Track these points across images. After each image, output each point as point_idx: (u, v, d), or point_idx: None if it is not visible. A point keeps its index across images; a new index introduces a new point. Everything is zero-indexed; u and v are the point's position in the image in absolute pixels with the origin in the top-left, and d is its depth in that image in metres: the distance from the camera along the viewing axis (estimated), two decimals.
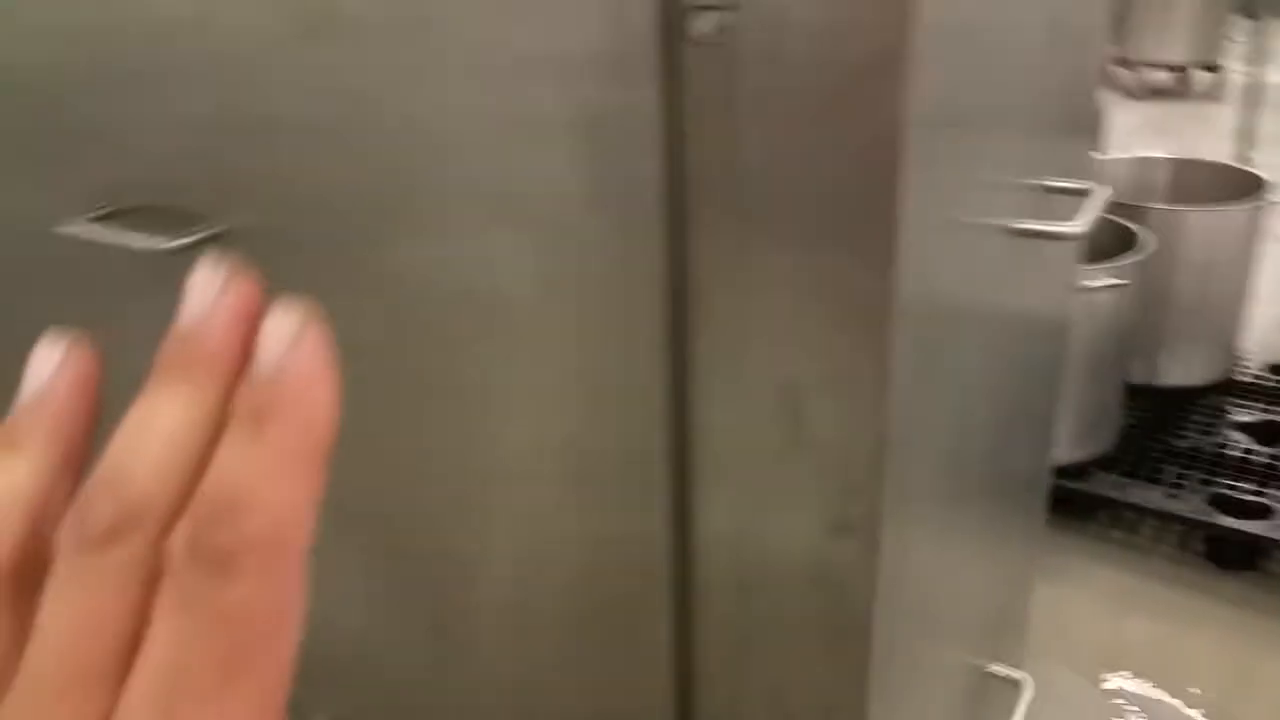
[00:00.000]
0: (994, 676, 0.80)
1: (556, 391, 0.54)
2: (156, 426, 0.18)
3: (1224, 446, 1.82)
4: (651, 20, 0.43)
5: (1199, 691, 1.45)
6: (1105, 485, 1.73)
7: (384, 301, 0.57)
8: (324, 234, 0.57)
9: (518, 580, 0.61)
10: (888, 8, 0.41)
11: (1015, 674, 0.79)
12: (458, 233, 0.52)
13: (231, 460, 0.17)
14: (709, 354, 0.48)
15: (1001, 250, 0.62)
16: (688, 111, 0.44)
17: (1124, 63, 4.69)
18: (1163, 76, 4.75)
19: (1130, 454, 1.81)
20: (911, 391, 0.47)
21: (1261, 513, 1.64)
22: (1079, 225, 0.57)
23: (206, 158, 0.60)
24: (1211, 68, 4.62)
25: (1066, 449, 1.73)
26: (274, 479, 0.17)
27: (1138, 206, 1.85)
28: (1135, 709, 1.44)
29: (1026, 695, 0.78)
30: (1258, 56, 2.97)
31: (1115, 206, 1.83)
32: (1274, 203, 1.94)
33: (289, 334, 0.18)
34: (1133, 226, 1.76)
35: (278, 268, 0.67)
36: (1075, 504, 1.75)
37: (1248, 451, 1.80)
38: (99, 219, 0.63)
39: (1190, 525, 1.69)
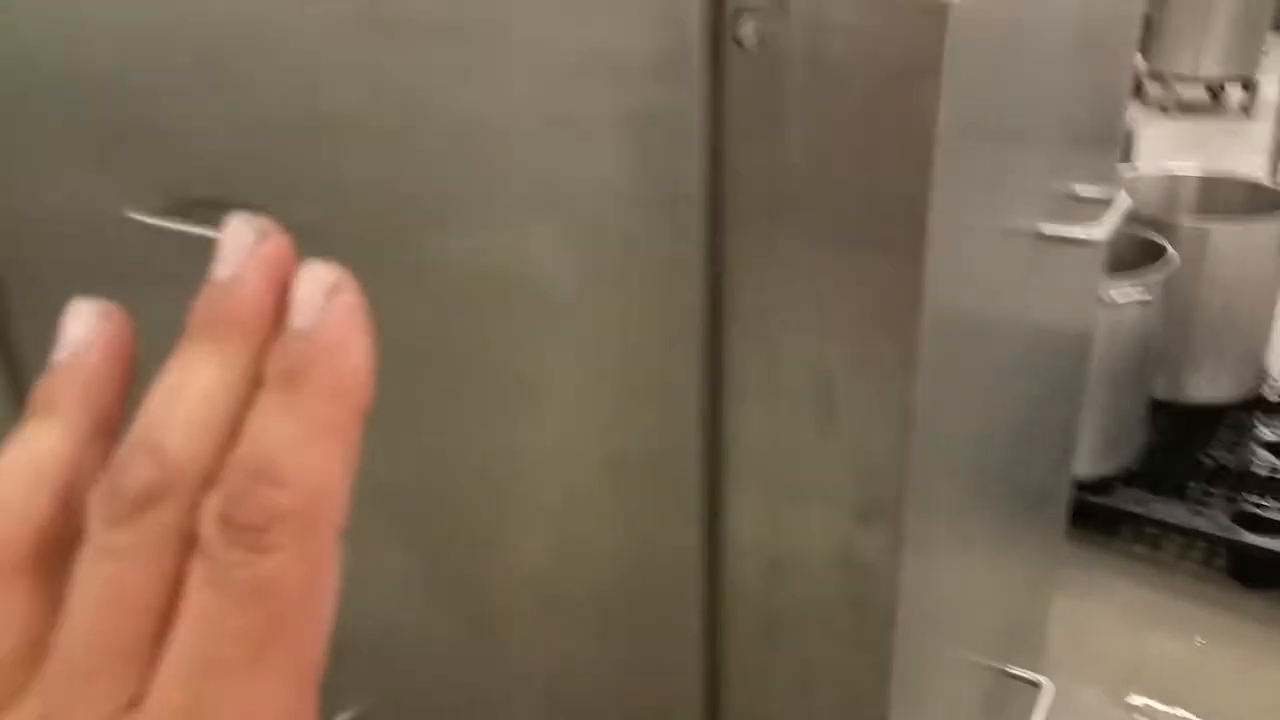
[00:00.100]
0: (1013, 678, 0.81)
1: (595, 380, 0.56)
2: (190, 389, 0.17)
3: (1250, 464, 1.81)
4: (699, 25, 0.45)
5: (1221, 709, 1.45)
6: (1129, 500, 1.73)
7: (431, 291, 0.59)
8: (375, 226, 0.60)
9: (552, 568, 0.63)
10: (925, 17, 0.43)
11: (1035, 676, 0.80)
12: (505, 225, 0.54)
13: (264, 428, 0.17)
14: (743, 344, 0.50)
15: (1026, 256, 0.63)
16: (730, 112, 0.47)
17: (1157, 77, 4.67)
18: (1196, 92, 4.72)
19: (1155, 469, 1.80)
20: (937, 383, 0.49)
21: None
22: (1101, 231, 0.59)
23: (264, 153, 0.62)
24: (1246, 83, 4.59)
25: (1090, 463, 1.73)
26: (307, 447, 0.17)
27: (1166, 222, 1.85)
28: None
29: (1046, 698, 0.79)
30: None
31: (1144, 221, 1.83)
32: None
33: (321, 293, 0.18)
34: (1161, 242, 1.76)
35: (329, 254, 0.69)
36: (1098, 518, 1.75)
37: (1274, 469, 1.79)
38: (158, 210, 0.66)
39: (1214, 542, 1.68)
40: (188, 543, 0.17)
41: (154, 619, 0.17)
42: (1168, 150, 3.85)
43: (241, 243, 0.18)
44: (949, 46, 0.43)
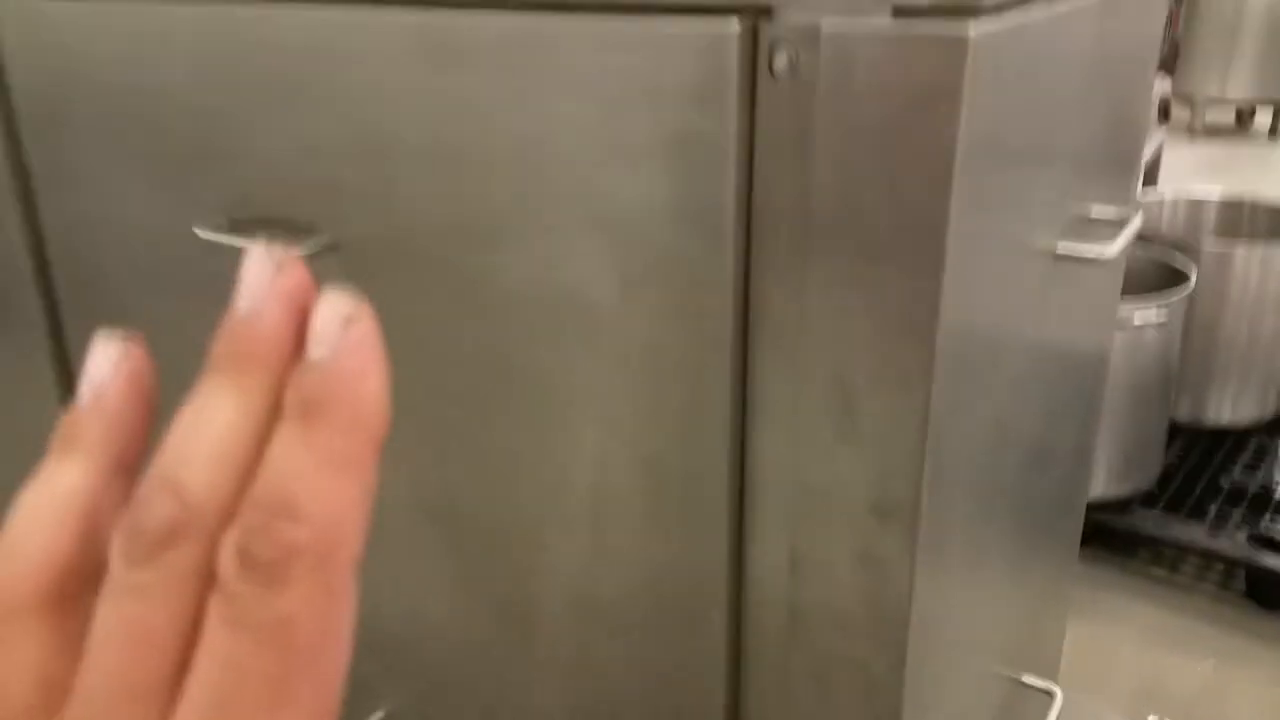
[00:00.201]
0: (1027, 687, 0.84)
1: (630, 386, 0.60)
2: (211, 424, 0.18)
3: (1269, 486, 1.82)
4: (736, 57, 0.49)
5: None
6: (1147, 521, 1.74)
7: (481, 303, 0.63)
8: (428, 242, 0.63)
9: (583, 568, 0.66)
10: (944, 48, 0.46)
11: (1048, 685, 0.83)
12: (552, 240, 0.58)
13: (280, 461, 0.17)
14: (771, 351, 0.54)
15: (1042, 275, 0.67)
16: (763, 136, 0.50)
17: (1185, 100, 4.66)
18: (1223, 115, 4.71)
19: (1174, 491, 1.81)
20: (952, 392, 0.52)
21: None
22: (1113, 249, 0.62)
23: (326, 172, 0.66)
24: (1276, 107, 4.57)
25: (1109, 484, 1.74)
26: (322, 481, 0.17)
27: (1189, 244, 1.87)
28: None
29: (1058, 707, 0.81)
30: None
31: (1167, 244, 1.85)
32: None
33: (338, 323, 0.18)
34: (1184, 264, 1.78)
35: (383, 271, 0.74)
36: (1116, 539, 1.76)
37: None
38: (223, 227, 0.70)
39: (1232, 564, 1.69)
40: (207, 580, 0.17)
41: (174, 658, 0.17)
42: (1193, 174, 3.85)
43: (261, 275, 0.18)
44: (968, 76, 0.47)
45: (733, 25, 0.49)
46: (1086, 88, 0.70)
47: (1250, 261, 1.85)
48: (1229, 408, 1.97)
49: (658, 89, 0.51)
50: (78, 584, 0.18)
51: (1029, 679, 0.84)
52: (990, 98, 0.50)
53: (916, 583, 0.53)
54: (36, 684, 0.17)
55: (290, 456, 0.17)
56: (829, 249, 0.51)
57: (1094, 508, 1.71)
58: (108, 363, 0.19)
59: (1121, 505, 1.76)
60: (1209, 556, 1.70)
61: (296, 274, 0.19)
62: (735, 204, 0.52)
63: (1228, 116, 4.71)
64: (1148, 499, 1.78)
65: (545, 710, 0.71)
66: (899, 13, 0.46)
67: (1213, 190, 2.25)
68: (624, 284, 0.57)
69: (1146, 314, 1.63)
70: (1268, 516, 1.73)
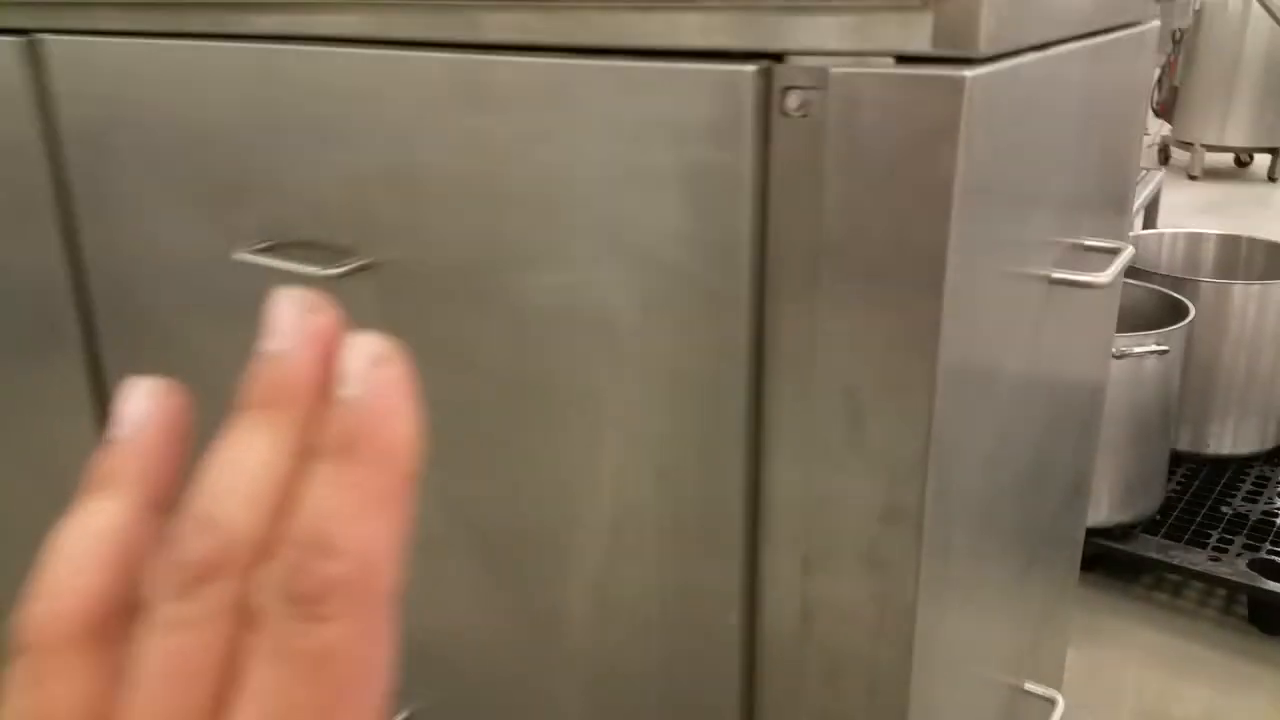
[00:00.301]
0: (1029, 694, 0.87)
1: (649, 400, 0.64)
2: (245, 462, 0.18)
3: (1270, 514, 1.85)
4: (751, 97, 0.54)
5: None
6: (1150, 547, 1.77)
7: (508, 325, 0.67)
8: (461, 267, 0.68)
9: (605, 571, 0.70)
10: (943, 90, 0.51)
11: (1050, 692, 0.86)
12: (577, 266, 0.63)
13: (317, 499, 0.17)
14: (784, 365, 0.58)
15: (1037, 300, 0.71)
16: (777, 170, 0.55)
17: (1184, 145, 4.73)
18: (1221, 159, 4.77)
19: (1176, 518, 1.84)
20: (953, 402, 0.56)
21: None
22: (1106, 275, 0.66)
23: (359, 203, 0.71)
24: (1273, 152, 4.64)
25: (1112, 511, 1.78)
26: (359, 517, 0.17)
27: (1188, 280, 1.91)
28: None
29: (1059, 713, 0.84)
30: None
31: (1166, 280, 1.90)
32: None
33: (369, 364, 0.18)
34: (1183, 299, 1.83)
35: (417, 292, 0.79)
36: (1119, 565, 1.78)
37: None
38: (262, 251, 0.75)
39: (1234, 589, 1.72)
40: (246, 615, 0.17)
41: (214, 690, 0.17)
42: (1191, 215, 3.90)
43: (291, 316, 0.19)
44: (964, 117, 0.51)
45: (748, 68, 0.54)
46: (1078, 128, 0.74)
47: (1248, 297, 1.90)
48: (1230, 439, 2.00)
49: (678, 126, 0.56)
50: (116, 620, 0.18)
51: (1031, 686, 0.87)
52: (986, 137, 0.54)
53: (921, 583, 0.57)
54: (84, 717, 0.18)
55: (326, 494, 0.17)
56: (838, 274, 0.55)
57: (1098, 533, 1.75)
58: (144, 400, 0.20)
59: (1125, 531, 1.79)
60: (1211, 582, 1.72)
61: (326, 315, 0.19)
62: (751, 232, 0.56)
63: (1227, 160, 4.77)
64: (1151, 526, 1.81)
65: (567, 709, 0.74)
66: (902, 60, 0.51)
67: (1211, 228, 2.30)
68: (645, 307, 0.62)
69: (1146, 344, 1.68)
70: (1269, 543, 1.75)
